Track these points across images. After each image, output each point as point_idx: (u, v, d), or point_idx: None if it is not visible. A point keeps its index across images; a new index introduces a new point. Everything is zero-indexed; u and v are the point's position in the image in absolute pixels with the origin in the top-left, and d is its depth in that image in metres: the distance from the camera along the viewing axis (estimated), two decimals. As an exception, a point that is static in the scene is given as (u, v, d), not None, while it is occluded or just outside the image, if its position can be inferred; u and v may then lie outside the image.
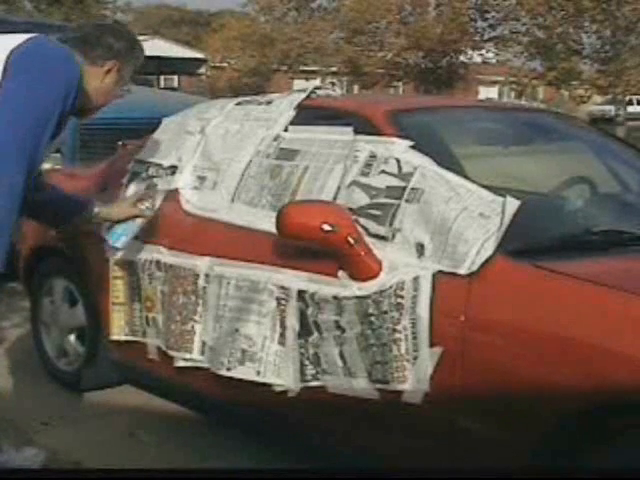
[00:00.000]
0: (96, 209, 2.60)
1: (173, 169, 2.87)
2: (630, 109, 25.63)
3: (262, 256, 2.41)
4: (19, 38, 2.15)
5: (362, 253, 2.16)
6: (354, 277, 2.18)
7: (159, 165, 2.93)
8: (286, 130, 2.69)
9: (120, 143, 3.98)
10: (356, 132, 2.47)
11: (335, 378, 2.24)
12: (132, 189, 2.95)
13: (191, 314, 2.59)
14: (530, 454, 1.88)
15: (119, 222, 2.64)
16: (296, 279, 2.31)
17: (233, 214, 2.60)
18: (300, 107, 2.76)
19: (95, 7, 27.55)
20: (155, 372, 2.86)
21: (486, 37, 27.26)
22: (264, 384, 2.38)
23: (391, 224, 2.18)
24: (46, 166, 2.48)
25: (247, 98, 3.03)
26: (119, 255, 2.84)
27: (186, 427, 2.98)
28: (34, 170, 2.12)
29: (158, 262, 2.71)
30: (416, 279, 2.06)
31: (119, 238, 2.64)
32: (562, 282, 1.92)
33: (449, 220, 2.08)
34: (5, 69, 2.06)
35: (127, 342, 2.90)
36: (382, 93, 26.90)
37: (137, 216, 2.64)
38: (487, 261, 2.00)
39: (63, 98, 2.11)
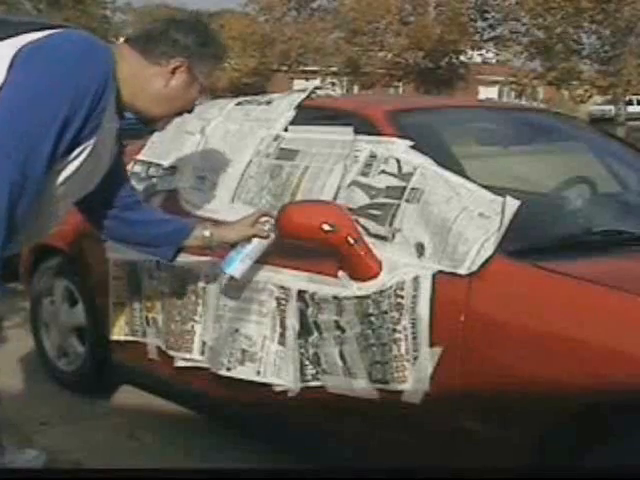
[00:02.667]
0: (206, 232, 2.31)
1: (173, 169, 2.88)
2: (630, 109, 25.64)
3: (262, 256, 2.41)
4: (33, 36, 1.87)
5: (362, 253, 2.16)
6: (354, 277, 2.18)
7: (159, 165, 2.93)
8: (286, 130, 2.69)
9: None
10: (356, 132, 2.47)
11: (335, 378, 2.24)
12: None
13: (191, 314, 2.59)
14: (530, 454, 1.88)
15: (233, 245, 2.32)
16: (296, 279, 2.31)
17: (233, 214, 2.60)
18: (300, 107, 2.76)
19: (94, 7, 27.56)
20: (155, 372, 2.86)
21: (486, 37, 27.32)
22: (264, 384, 2.38)
23: (391, 224, 2.18)
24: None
25: (247, 98, 3.03)
26: (120, 255, 2.84)
27: (186, 427, 2.98)
28: (33, 181, 1.80)
29: (158, 262, 2.71)
30: (416, 279, 2.06)
31: (233, 264, 2.29)
32: (562, 282, 1.92)
33: (449, 220, 2.08)
34: (9, 70, 1.81)
35: (127, 342, 2.91)
36: (382, 93, 26.90)
37: (255, 236, 2.30)
38: (487, 261, 2.00)
39: (71, 105, 1.81)
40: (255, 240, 2.30)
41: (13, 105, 1.79)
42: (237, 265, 2.29)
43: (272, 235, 2.30)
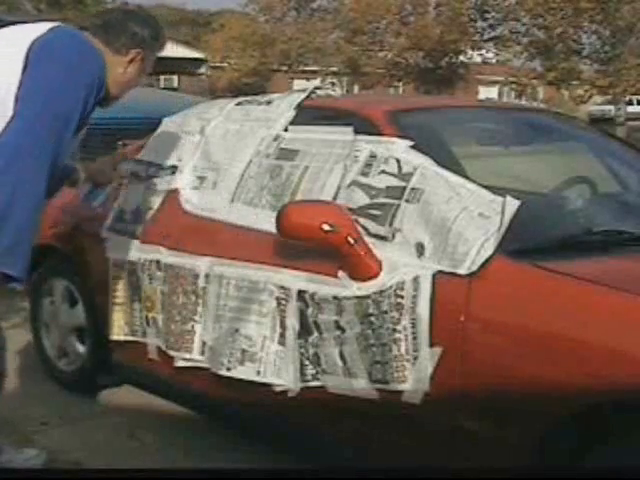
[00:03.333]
0: (82, 174, 2.64)
1: (173, 169, 2.88)
2: (630, 109, 25.60)
3: (262, 256, 2.41)
4: (41, 28, 2.07)
5: (362, 253, 2.16)
6: (354, 277, 2.18)
7: (159, 165, 2.93)
8: (286, 130, 2.69)
9: (120, 143, 3.98)
10: (356, 132, 2.47)
11: (335, 378, 2.24)
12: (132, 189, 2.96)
13: (191, 314, 2.59)
14: (530, 454, 1.88)
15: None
16: (296, 279, 2.31)
17: (233, 214, 2.60)
18: (300, 107, 2.76)
19: (94, 7, 27.54)
20: (155, 372, 2.86)
21: (486, 37, 27.27)
22: (264, 384, 2.38)
23: (391, 224, 2.18)
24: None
25: (247, 98, 3.03)
26: (120, 255, 2.85)
27: (186, 427, 2.98)
28: (58, 169, 2.07)
29: (158, 262, 2.71)
30: (416, 279, 2.06)
31: (97, 197, 2.99)
32: (562, 282, 1.92)
33: (449, 220, 2.08)
34: (26, 61, 1.99)
35: (127, 342, 2.90)
36: (382, 93, 26.89)
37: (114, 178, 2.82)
38: (487, 261, 2.00)
39: (86, 91, 2.04)
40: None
41: (41, 97, 2.00)
42: (100, 198, 2.97)
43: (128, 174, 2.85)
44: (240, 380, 2.43)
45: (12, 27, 2.13)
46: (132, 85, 2.35)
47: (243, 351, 2.41)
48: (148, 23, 2.33)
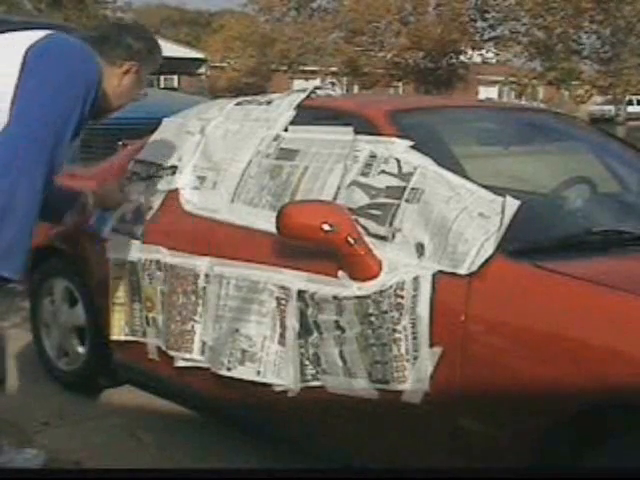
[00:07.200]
0: (90, 199, 2.64)
1: (173, 169, 2.88)
2: (630, 109, 25.61)
3: (262, 256, 2.41)
4: (36, 35, 2.10)
5: (362, 253, 2.16)
6: (354, 277, 2.18)
7: (159, 165, 2.94)
8: (286, 130, 2.69)
9: (120, 143, 3.98)
10: (356, 132, 2.47)
11: (335, 378, 2.24)
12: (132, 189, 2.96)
13: (191, 314, 2.59)
14: (530, 454, 1.88)
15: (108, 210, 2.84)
16: (296, 279, 2.31)
17: (233, 214, 2.60)
18: (300, 107, 2.76)
19: (95, 7, 27.56)
20: (155, 372, 2.86)
21: (486, 37, 27.26)
22: (264, 384, 2.38)
23: (391, 224, 2.18)
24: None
25: (247, 98, 3.03)
26: (120, 255, 2.85)
27: (186, 427, 2.98)
28: (55, 171, 2.09)
29: (158, 262, 2.71)
30: (416, 279, 2.06)
31: (107, 223, 2.90)
32: (562, 282, 1.92)
33: (449, 220, 2.08)
34: (23, 67, 2.02)
35: (127, 342, 2.91)
36: (382, 93, 26.88)
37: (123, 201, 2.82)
38: (487, 261, 2.00)
39: (84, 97, 2.07)
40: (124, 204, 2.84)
41: (40, 100, 2.02)
42: (108, 225, 2.90)
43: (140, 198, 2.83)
44: (240, 380, 2.43)
45: (3, 34, 2.15)
46: (127, 98, 2.35)
47: (243, 351, 2.42)
48: (143, 37, 2.36)
